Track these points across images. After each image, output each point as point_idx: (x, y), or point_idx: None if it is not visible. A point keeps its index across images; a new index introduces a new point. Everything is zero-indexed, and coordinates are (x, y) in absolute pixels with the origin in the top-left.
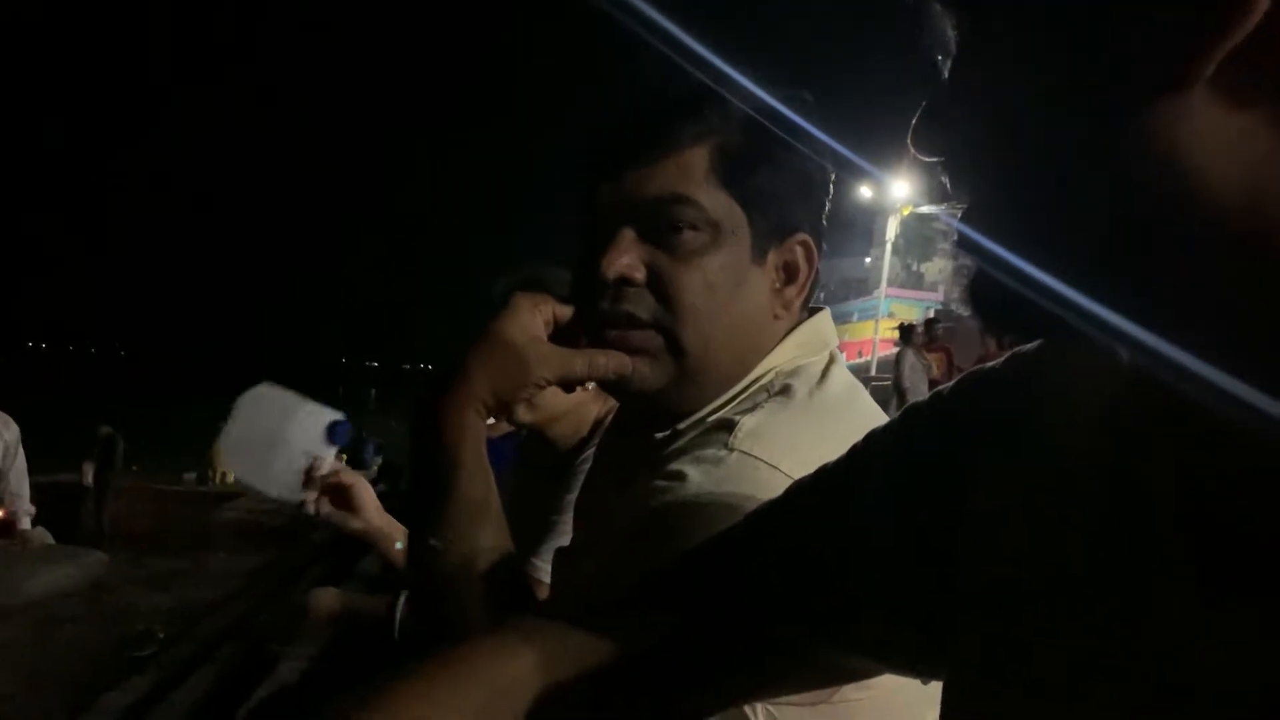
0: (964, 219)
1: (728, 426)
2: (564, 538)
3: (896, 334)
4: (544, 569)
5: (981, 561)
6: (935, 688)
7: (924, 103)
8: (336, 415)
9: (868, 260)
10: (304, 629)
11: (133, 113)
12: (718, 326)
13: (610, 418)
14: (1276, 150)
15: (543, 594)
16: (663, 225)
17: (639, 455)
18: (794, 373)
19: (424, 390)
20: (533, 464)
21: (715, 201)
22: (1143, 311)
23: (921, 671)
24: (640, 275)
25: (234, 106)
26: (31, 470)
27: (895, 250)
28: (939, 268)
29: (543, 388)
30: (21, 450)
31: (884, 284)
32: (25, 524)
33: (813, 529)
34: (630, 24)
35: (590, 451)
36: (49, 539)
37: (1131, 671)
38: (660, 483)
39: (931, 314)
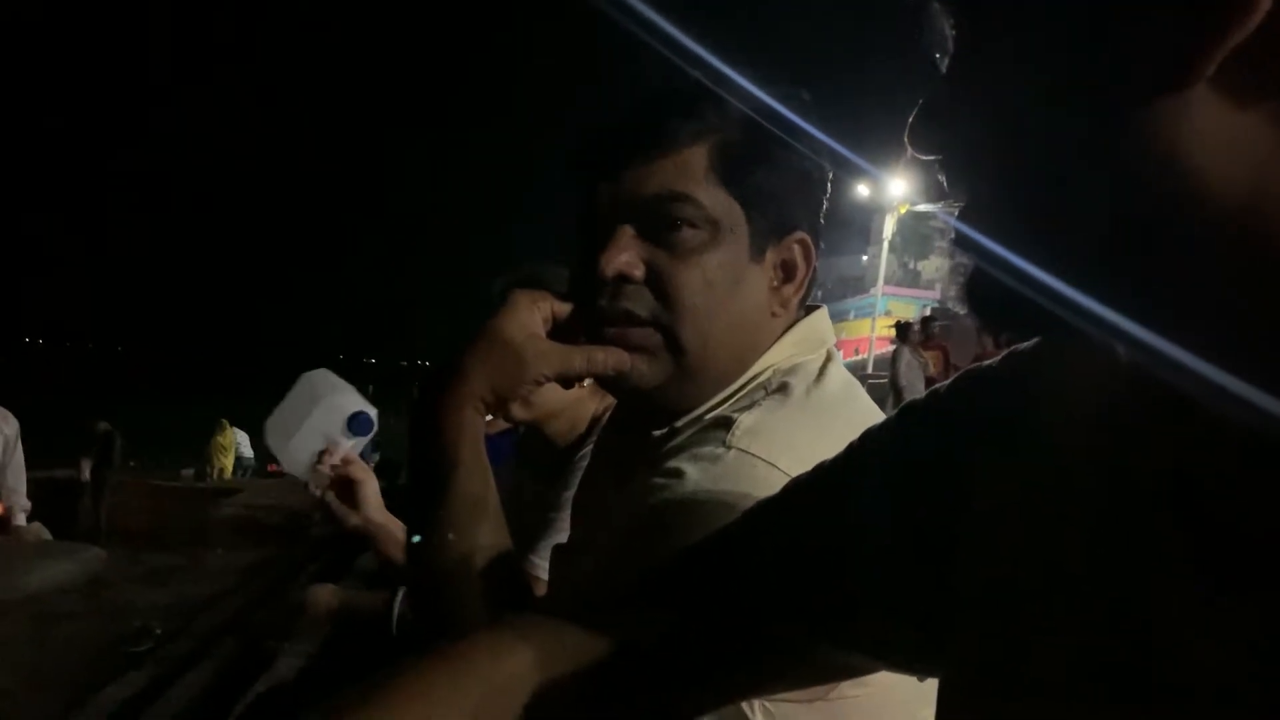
0: (961, 217)
1: (725, 424)
2: (562, 535)
3: (893, 332)
4: (542, 566)
5: (979, 560)
6: (931, 685)
7: (921, 101)
8: (365, 407)
9: (864, 258)
10: (301, 626)
11: (132, 111)
12: (716, 324)
13: (608, 415)
14: (1278, 150)
15: (540, 591)
16: (662, 223)
17: (637, 452)
18: (791, 370)
19: (423, 387)
20: (531, 461)
21: (714, 200)
22: (1142, 311)
23: (919, 669)
24: (639, 273)
25: (233, 105)
26: (29, 466)
27: (892, 248)
28: (936, 266)
29: (541, 384)
30: (20, 445)
31: (881, 282)
32: (21, 520)
33: (810, 527)
34: (629, 24)
35: (588, 448)
36: (46, 535)
37: (1130, 669)
38: (658, 480)
39: (928, 312)
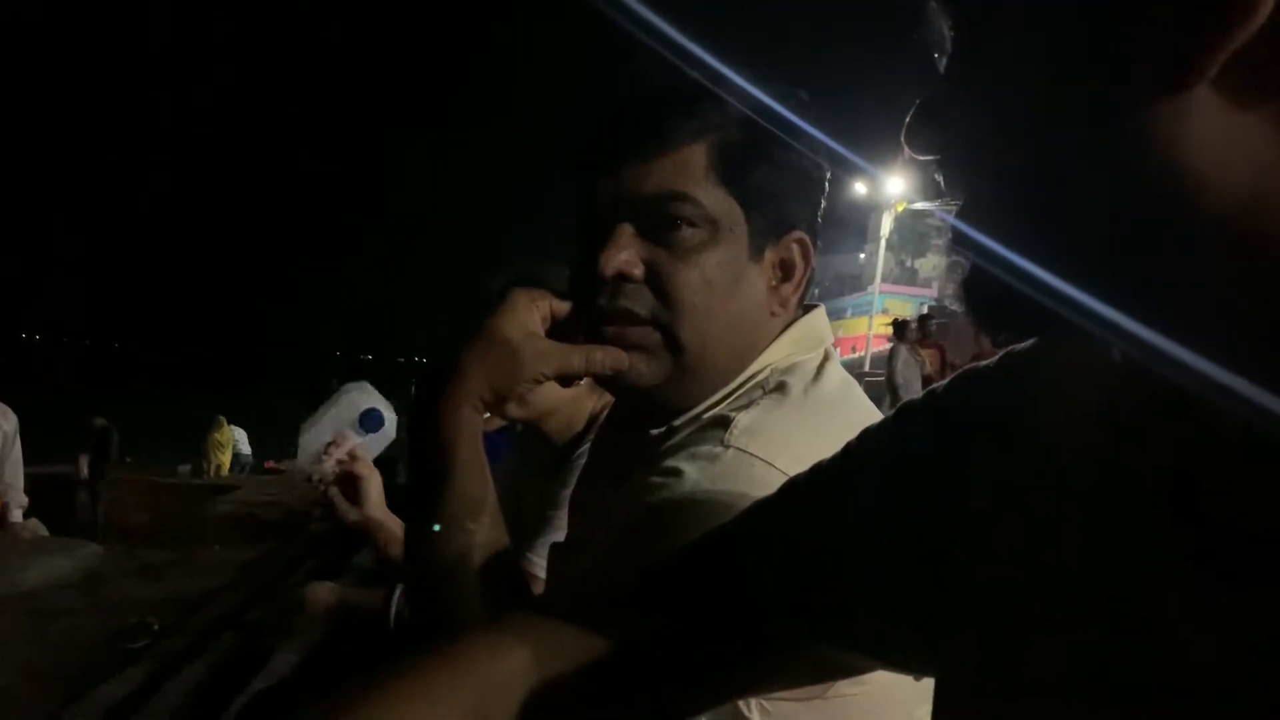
0: (959, 216)
1: (723, 423)
2: (559, 533)
3: (890, 330)
4: (540, 564)
5: (977, 559)
6: (928, 684)
7: (919, 101)
8: (380, 405)
9: (862, 256)
10: (299, 623)
11: (132, 110)
12: (715, 323)
13: (606, 413)
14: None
15: (538, 589)
16: (661, 222)
17: (635, 451)
18: (789, 370)
19: (421, 385)
20: (529, 458)
21: (714, 199)
22: (1142, 311)
23: (917, 669)
24: (638, 272)
25: (233, 103)
26: (26, 462)
27: (889, 246)
28: (933, 264)
29: (540, 383)
30: (18, 441)
31: (878, 280)
32: (17, 516)
33: (808, 526)
34: (628, 23)
35: (586, 446)
36: (43, 531)
37: (1128, 667)
38: (656, 479)
39: (925, 310)
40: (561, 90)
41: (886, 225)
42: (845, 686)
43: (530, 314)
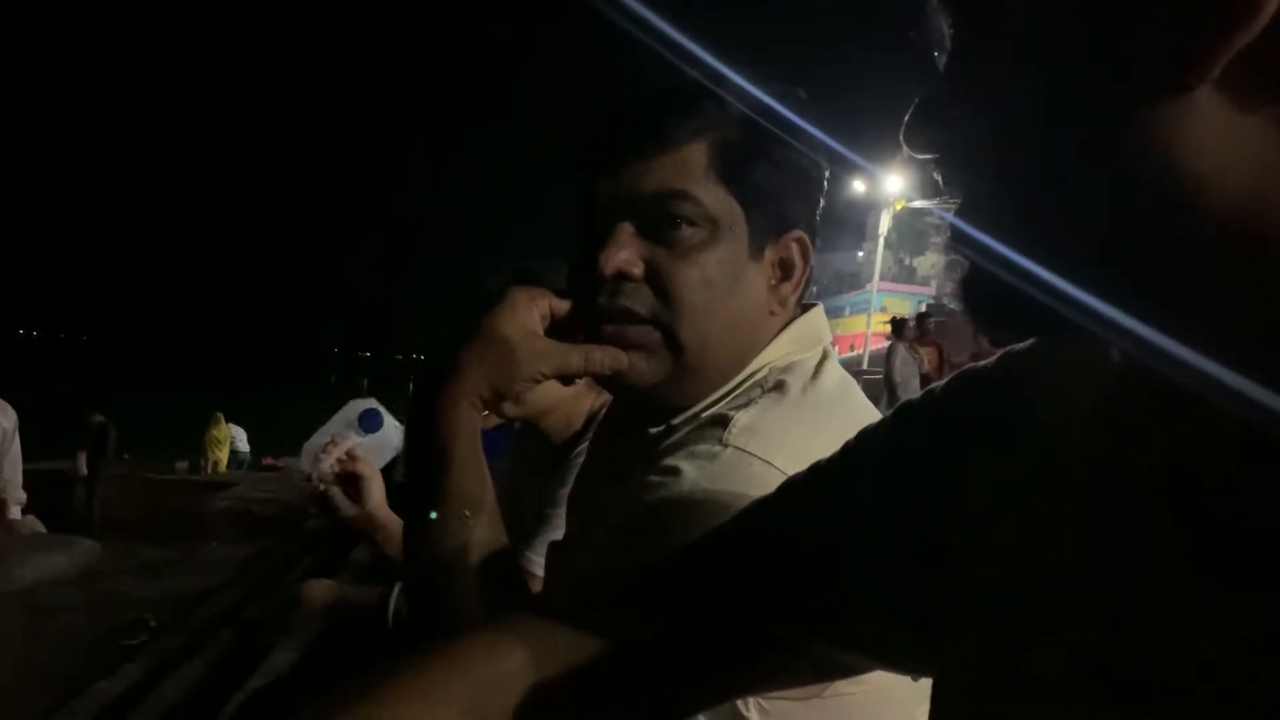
0: (958, 215)
1: (722, 422)
2: (558, 531)
3: (888, 328)
4: (538, 562)
5: (976, 559)
6: (927, 683)
7: (918, 100)
8: (378, 408)
9: (860, 254)
10: (296, 621)
11: (133, 108)
12: (715, 322)
13: (604, 411)
14: None
15: (536, 587)
16: (661, 221)
17: (633, 449)
18: (788, 369)
19: (420, 383)
20: (528, 457)
21: (714, 197)
22: (1142, 310)
23: (915, 669)
24: (638, 270)
25: (233, 101)
26: (23, 458)
27: (888, 244)
28: (931, 262)
29: (539, 382)
30: (17, 438)
31: (876, 278)
32: (16, 513)
33: (806, 526)
34: (628, 23)
35: (585, 445)
36: (40, 527)
37: (1128, 667)
38: (655, 478)
39: (924, 308)
40: (561, 90)
41: (885, 223)
42: (844, 686)
43: (529, 312)
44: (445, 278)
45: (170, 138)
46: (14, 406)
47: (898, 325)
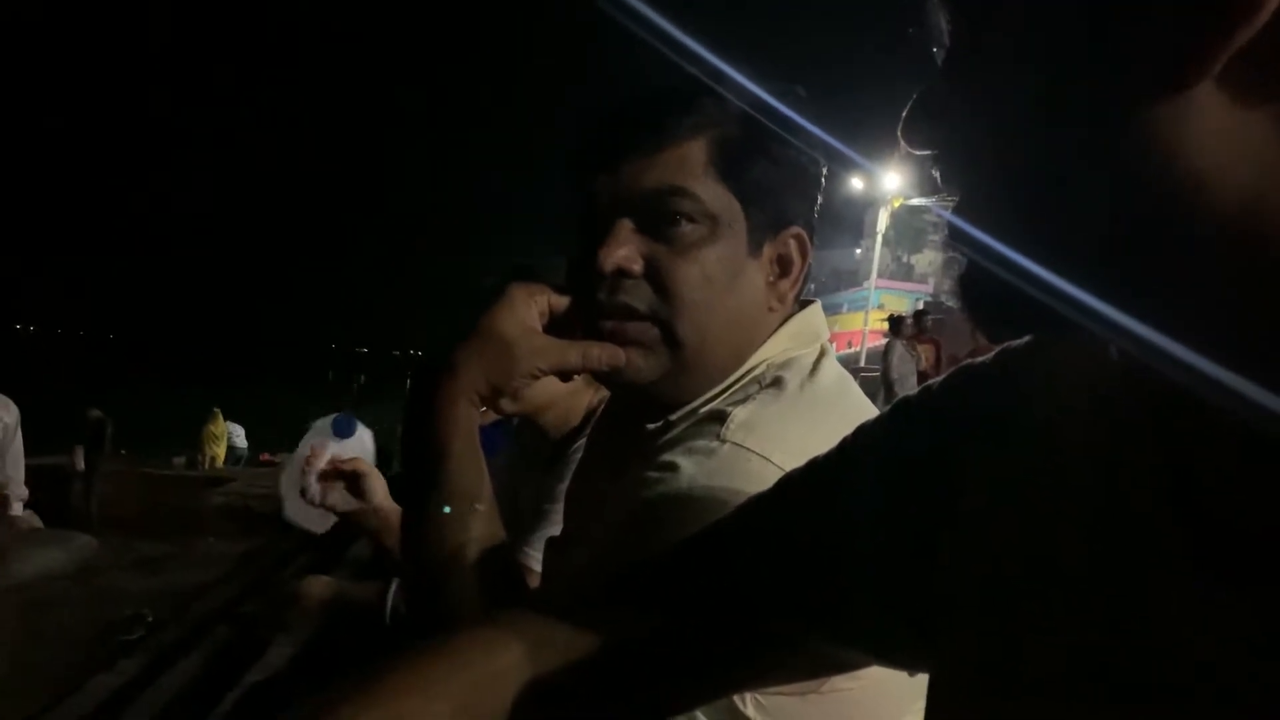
0: (956, 212)
1: (720, 418)
2: (555, 526)
3: (886, 325)
4: (535, 557)
5: (973, 556)
6: (924, 679)
7: (915, 96)
8: (343, 415)
9: (858, 251)
10: (293, 618)
11: (133, 106)
12: (714, 319)
13: (603, 407)
14: None
15: (534, 582)
16: (661, 217)
17: (631, 445)
18: (785, 365)
19: (418, 379)
20: (526, 452)
21: (713, 194)
22: (1141, 310)
23: (913, 665)
24: (638, 267)
25: (232, 99)
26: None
27: (886, 242)
28: (929, 260)
29: (537, 378)
30: (19, 433)
31: (874, 275)
32: (18, 509)
33: (803, 523)
34: (627, 20)
35: (583, 440)
36: (37, 522)
37: (1128, 666)
38: (652, 474)
39: (921, 306)
40: (561, 90)
41: (883, 221)
42: (841, 681)
43: (528, 309)
44: (443, 275)
45: (169, 135)
46: (11, 402)
47: (895, 323)
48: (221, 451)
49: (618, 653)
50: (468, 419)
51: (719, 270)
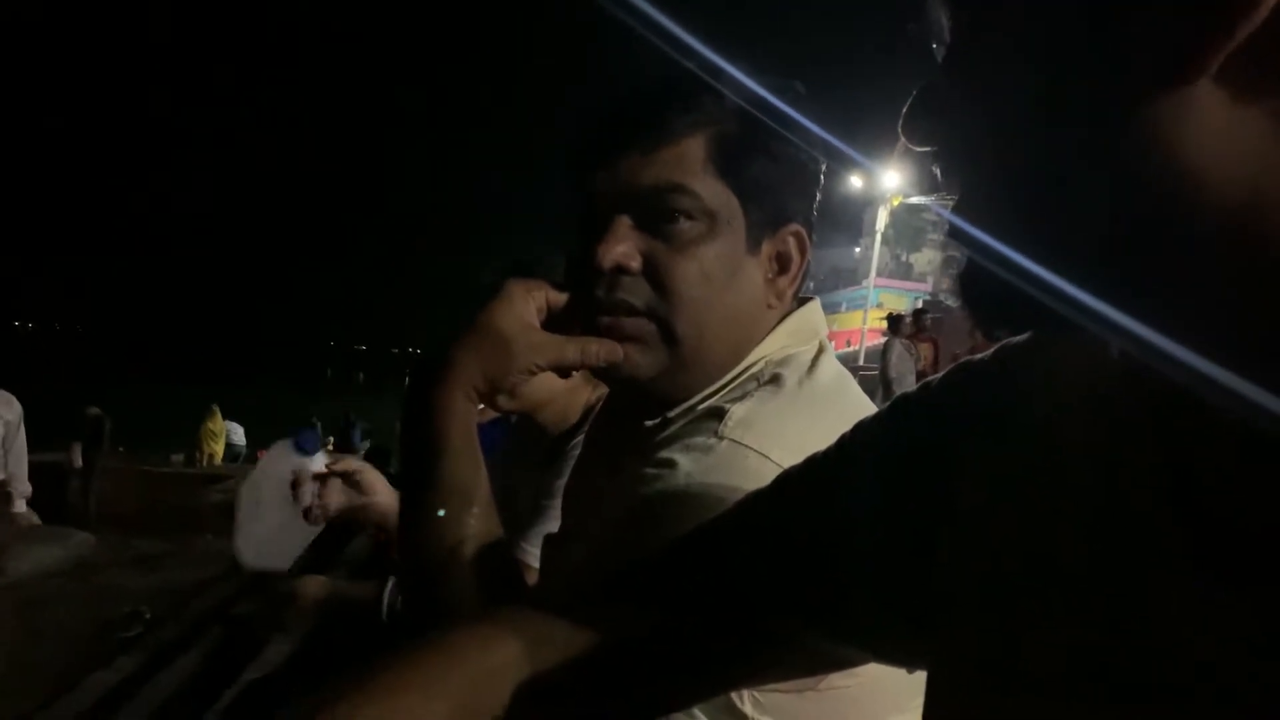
0: (956, 211)
1: (718, 415)
2: (553, 523)
3: (885, 324)
4: (533, 554)
5: (972, 553)
6: (921, 676)
7: (916, 91)
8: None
9: (857, 250)
10: (289, 617)
11: (131, 104)
12: (712, 316)
13: (601, 403)
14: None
15: (532, 579)
16: (659, 214)
17: (629, 442)
18: (784, 362)
19: (415, 375)
20: (524, 449)
21: (712, 191)
22: (1141, 309)
23: (910, 662)
24: (636, 264)
25: (232, 98)
26: None
27: (885, 241)
28: (928, 259)
29: (535, 374)
30: (22, 430)
31: (873, 274)
32: (21, 506)
33: (802, 520)
34: (627, 17)
35: (581, 437)
36: (35, 519)
37: (1128, 666)
38: (650, 470)
39: (920, 305)
40: (561, 90)
41: (882, 219)
42: (838, 679)
43: (526, 305)
44: (443, 275)
45: (169, 134)
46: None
47: (894, 321)
48: (220, 449)
49: (616, 650)
50: (466, 415)
51: (717, 267)
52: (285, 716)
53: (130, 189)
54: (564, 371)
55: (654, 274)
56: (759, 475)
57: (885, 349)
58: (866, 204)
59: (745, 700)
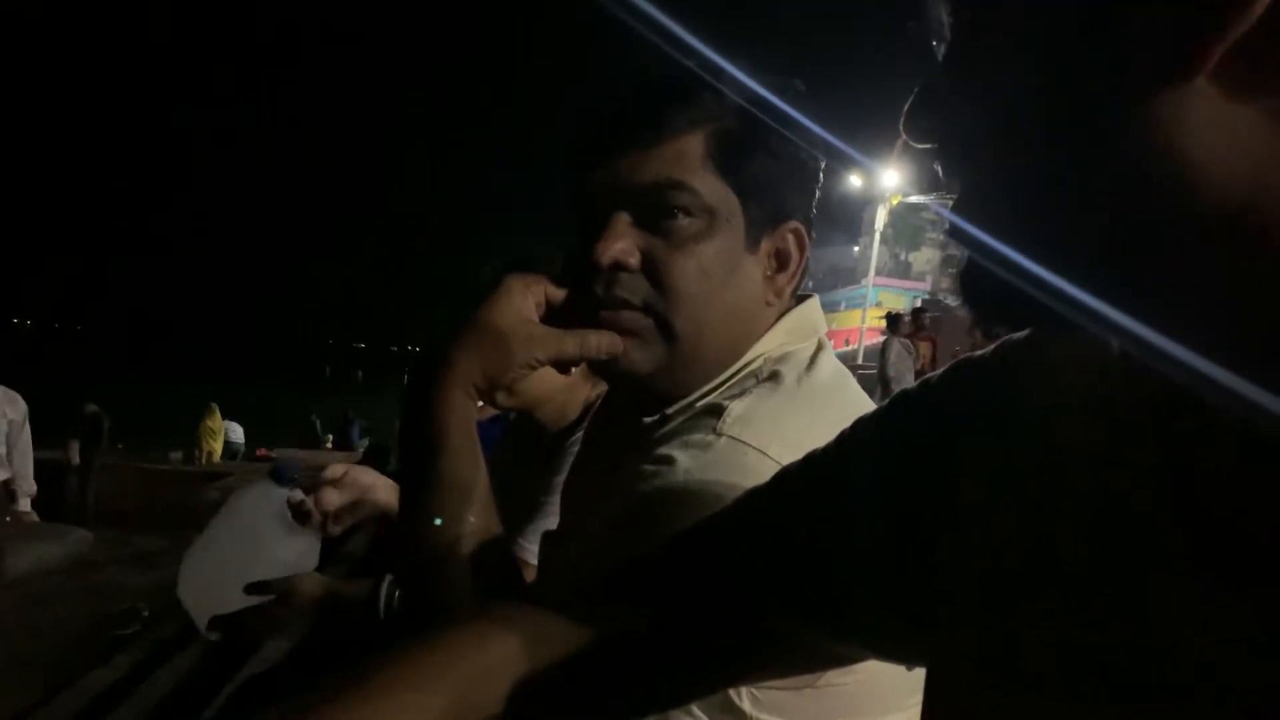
0: (956, 209)
1: (716, 411)
2: (551, 520)
3: (884, 323)
4: (531, 550)
5: (973, 551)
6: (919, 674)
7: (918, 88)
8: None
9: (856, 249)
10: (286, 615)
11: (131, 103)
12: (711, 312)
13: (600, 401)
14: (1277, 144)
15: (530, 576)
16: (658, 211)
17: (628, 439)
18: (782, 359)
19: (415, 371)
20: (523, 446)
21: (711, 188)
22: (1141, 307)
23: (909, 659)
24: (635, 261)
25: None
26: None
27: (884, 240)
28: (927, 258)
29: (535, 369)
30: (27, 428)
31: (872, 273)
32: (25, 505)
33: (801, 516)
34: (627, 15)
35: (579, 434)
36: (33, 516)
37: (1128, 666)
38: (648, 467)
39: (919, 303)
40: (561, 90)
41: (881, 218)
42: (836, 676)
43: (524, 299)
44: (443, 275)
45: (169, 132)
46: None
47: (893, 320)
48: (218, 447)
49: (613, 647)
50: (465, 411)
51: (716, 264)
52: (282, 713)
53: (129, 187)
54: (563, 366)
55: (653, 271)
56: (758, 472)
57: (884, 348)
58: (865, 203)
59: (743, 697)
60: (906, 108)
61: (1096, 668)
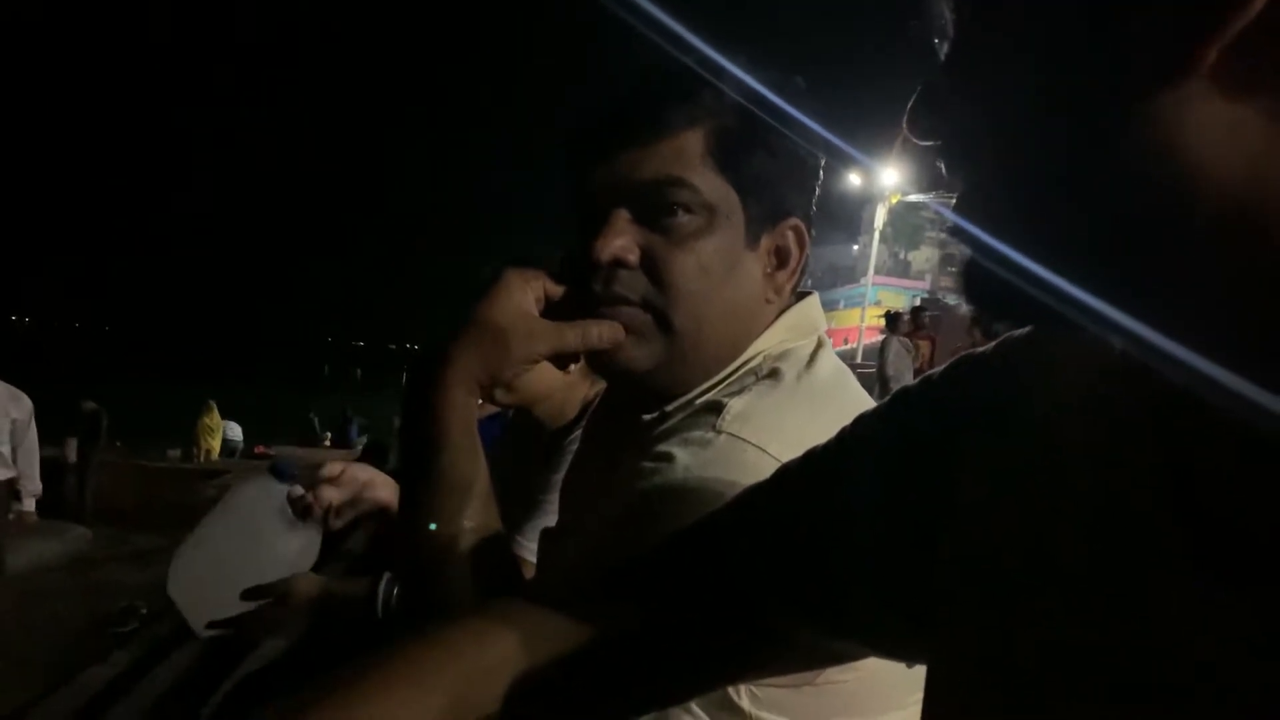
0: (957, 208)
1: (715, 409)
2: (550, 517)
3: (883, 322)
4: (530, 548)
5: (973, 549)
6: (919, 671)
7: (921, 86)
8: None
9: (855, 248)
10: (283, 614)
11: (131, 103)
12: (710, 309)
13: (599, 398)
14: (1277, 142)
15: (529, 573)
16: (658, 208)
17: (627, 436)
18: (782, 356)
19: (414, 368)
20: (522, 444)
21: (711, 185)
22: (1141, 308)
23: (909, 657)
24: (634, 258)
25: (232, 96)
26: None
27: (883, 238)
28: (926, 256)
29: (536, 363)
30: (33, 427)
31: (871, 272)
32: (30, 504)
33: (801, 513)
34: (626, 12)
35: (579, 432)
36: (33, 515)
37: (1128, 665)
38: (648, 464)
39: (918, 302)
40: (561, 90)
41: (880, 217)
42: (835, 674)
43: (524, 294)
44: (443, 274)
45: (169, 131)
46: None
47: (892, 319)
48: (216, 444)
49: (612, 645)
50: (465, 408)
51: (716, 261)
52: (280, 711)
53: (130, 186)
54: (563, 362)
55: (652, 267)
56: (757, 469)
57: (883, 347)
58: (865, 201)
59: (743, 695)
60: (910, 105)
61: (1096, 667)
